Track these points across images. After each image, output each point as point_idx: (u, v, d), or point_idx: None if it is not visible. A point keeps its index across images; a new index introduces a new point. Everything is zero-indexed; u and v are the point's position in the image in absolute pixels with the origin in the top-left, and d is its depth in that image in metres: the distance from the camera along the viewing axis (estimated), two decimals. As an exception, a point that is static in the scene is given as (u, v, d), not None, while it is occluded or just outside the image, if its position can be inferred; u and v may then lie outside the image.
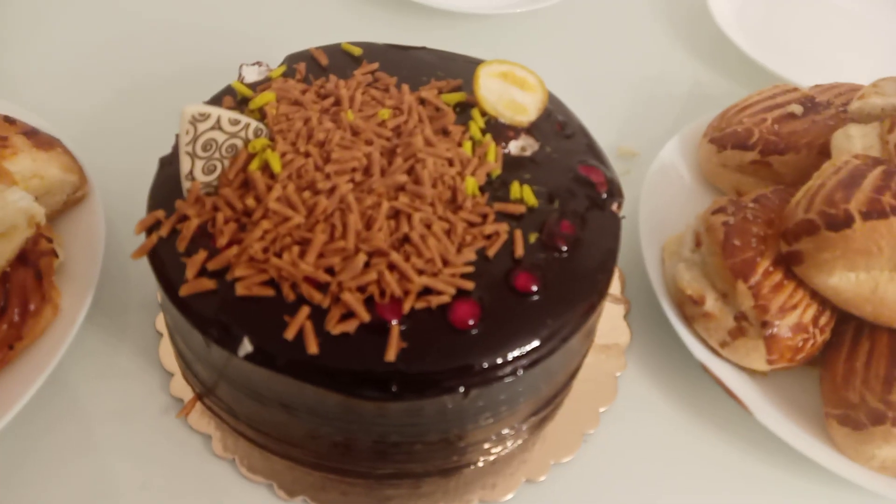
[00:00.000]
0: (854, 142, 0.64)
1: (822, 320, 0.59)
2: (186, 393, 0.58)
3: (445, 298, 0.47)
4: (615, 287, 0.68)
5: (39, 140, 0.63)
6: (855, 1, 1.03)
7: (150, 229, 0.50)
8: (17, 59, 0.85)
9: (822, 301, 0.59)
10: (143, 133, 0.67)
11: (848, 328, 0.60)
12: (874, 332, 0.59)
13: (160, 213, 0.50)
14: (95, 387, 0.59)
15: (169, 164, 0.53)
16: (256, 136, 0.52)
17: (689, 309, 0.62)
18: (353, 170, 0.51)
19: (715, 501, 0.58)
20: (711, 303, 0.60)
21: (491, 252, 0.50)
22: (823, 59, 0.94)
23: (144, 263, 0.50)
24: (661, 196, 0.72)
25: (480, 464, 0.56)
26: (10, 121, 0.64)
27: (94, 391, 0.59)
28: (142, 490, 0.54)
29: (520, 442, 0.57)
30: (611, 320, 0.66)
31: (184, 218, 0.49)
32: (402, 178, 0.51)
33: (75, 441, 0.56)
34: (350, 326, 0.45)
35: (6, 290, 0.55)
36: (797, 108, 0.72)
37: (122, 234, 0.67)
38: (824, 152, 0.67)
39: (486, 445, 0.54)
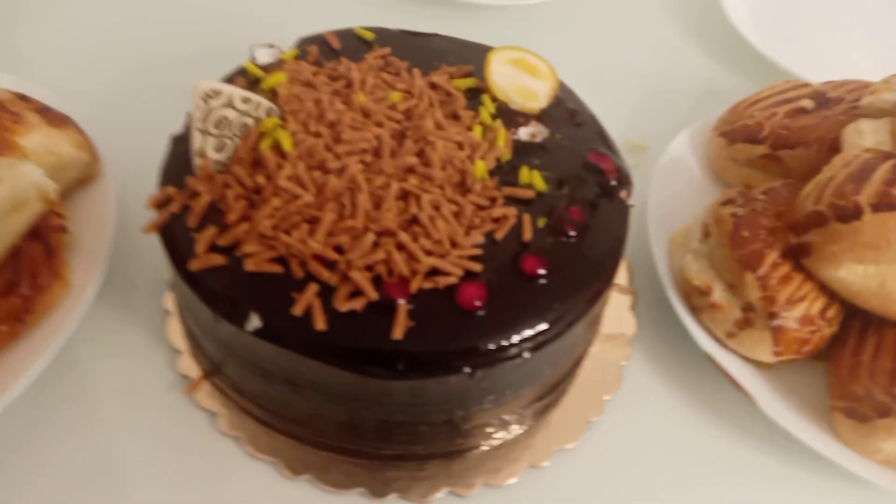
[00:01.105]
0: (865, 137, 0.63)
1: (830, 313, 0.59)
2: (193, 371, 0.58)
3: (453, 279, 0.47)
4: (623, 278, 0.68)
5: (52, 117, 0.64)
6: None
7: (161, 205, 0.50)
8: (33, 38, 0.85)
9: (830, 294, 0.59)
10: (154, 113, 0.67)
11: (855, 322, 0.60)
12: (882, 326, 0.58)
13: (171, 190, 0.50)
14: (103, 363, 0.59)
15: (180, 142, 0.54)
16: (268, 115, 0.52)
17: (695, 300, 0.62)
18: (364, 151, 0.52)
19: (717, 492, 0.58)
20: (719, 294, 0.60)
21: (499, 235, 0.50)
22: (836, 56, 0.93)
23: (154, 243, 0.50)
24: (670, 189, 0.72)
25: (484, 448, 0.56)
26: (23, 98, 0.65)
27: (102, 367, 0.59)
28: (147, 466, 0.55)
29: (524, 428, 0.57)
30: (617, 310, 0.66)
31: (194, 194, 0.50)
32: (412, 159, 0.51)
33: (82, 415, 0.57)
34: (358, 304, 0.45)
35: (17, 264, 0.56)
36: (808, 103, 0.71)
37: (132, 212, 0.67)
38: (835, 147, 0.67)
39: (490, 429, 0.55)
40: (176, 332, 0.60)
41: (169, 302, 0.62)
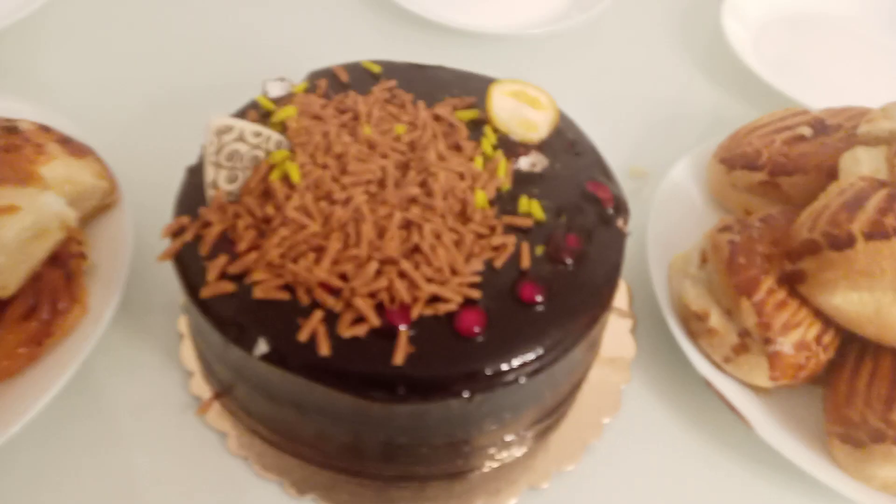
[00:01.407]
0: (861, 164, 0.65)
1: (826, 339, 0.60)
2: (205, 392, 0.60)
3: (452, 306, 0.49)
4: (623, 302, 0.70)
5: (73, 147, 0.66)
6: (870, 27, 1.04)
7: (176, 234, 0.53)
8: (56, 70, 0.89)
9: (827, 320, 0.60)
10: (172, 143, 0.69)
11: (852, 348, 0.61)
12: (878, 352, 0.59)
13: (185, 219, 0.53)
14: (119, 384, 0.61)
15: (195, 174, 0.56)
16: (278, 148, 0.55)
17: (693, 325, 0.63)
18: (368, 182, 0.54)
19: (715, 515, 0.59)
20: (716, 319, 0.61)
21: (498, 263, 0.52)
22: (838, 84, 0.95)
23: (169, 269, 0.52)
24: (670, 215, 0.73)
25: (485, 469, 0.58)
26: (45, 129, 0.67)
27: (118, 388, 0.61)
28: (159, 484, 0.57)
29: (524, 450, 0.59)
30: (617, 334, 0.67)
31: (207, 224, 0.52)
32: (415, 190, 0.53)
33: (97, 435, 0.59)
34: (360, 330, 0.47)
35: (37, 290, 0.58)
36: (807, 131, 0.73)
37: (148, 239, 0.69)
38: (832, 174, 0.68)
39: (491, 451, 0.56)
40: (189, 355, 0.62)
41: (182, 325, 0.64)
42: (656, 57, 0.99)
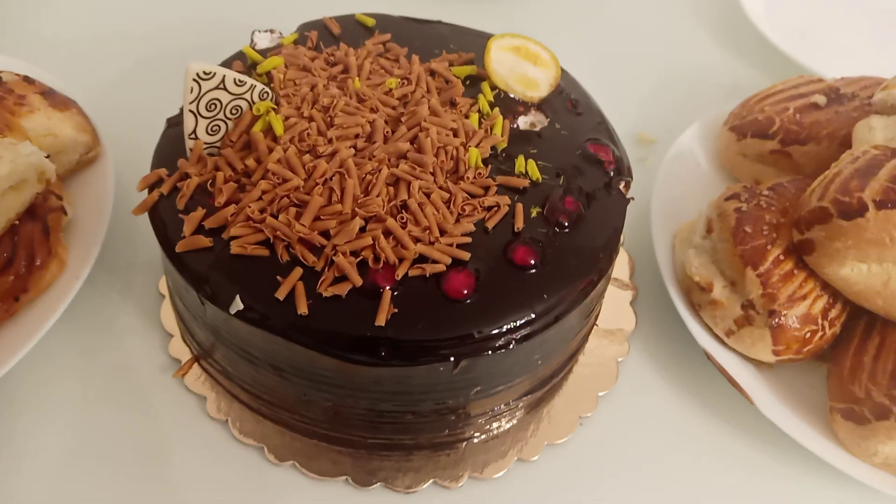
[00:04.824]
0: (876, 133, 0.62)
1: (833, 313, 0.57)
2: (185, 354, 0.58)
3: (440, 267, 0.46)
4: (624, 273, 0.67)
5: (56, 100, 0.64)
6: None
7: (153, 186, 0.50)
8: (42, 24, 0.86)
9: (834, 293, 0.57)
10: (158, 98, 0.67)
11: (859, 323, 0.58)
12: (885, 327, 0.57)
13: (162, 171, 0.50)
14: (97, 343, 0.60)
15: (176, 125, 0.54)
16: (261, 98, 0.52)
17: (696, 296, 0.61)
18: (357, 136, 0.51)
19: (711, 492, 0.56)
20: (719, 290, 0.59)
21: (490, 224, 0.49)
22: (854, 53, 0.91)
23: (151, 228, 0.50)
24: (677, 184, 0.71)
25: (474, 441, 0.55)
26: (29, 81, 0.65)
27: (96, 347, 0.59)
28: (135, 446, 0.55)
29: (515, 421, 0.56)
30: (617, 305, 0.65)
31: (185, 176, 0.50)
32: (405, 145, 0.50)
33: (74, 393, 0.57)
34: (342, 290, 0.45)
35: (14, 243, 0.56)
36: (821, 99, 0.70)
37: (132, 197, 0.67)
38: (846, 144, 0.65)
39: (480, 421, 0.54)
40: (169, 315, 0.60)
41: (163, 285, 0.62)
42: (667, 21, 0.96)
